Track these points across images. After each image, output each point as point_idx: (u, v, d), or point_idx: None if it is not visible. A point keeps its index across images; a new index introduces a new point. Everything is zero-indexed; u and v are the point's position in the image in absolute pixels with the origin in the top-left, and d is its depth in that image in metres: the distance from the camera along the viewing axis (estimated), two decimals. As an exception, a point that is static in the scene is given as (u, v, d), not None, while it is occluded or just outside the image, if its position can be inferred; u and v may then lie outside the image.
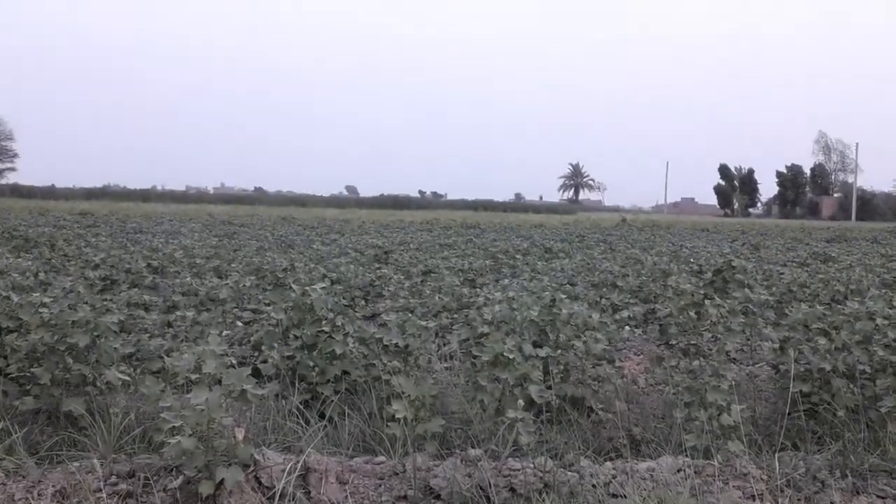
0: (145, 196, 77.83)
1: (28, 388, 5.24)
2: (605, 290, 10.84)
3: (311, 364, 5.60)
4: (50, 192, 74.94)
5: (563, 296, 6.48)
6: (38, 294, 5.88)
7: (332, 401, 5.44)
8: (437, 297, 9.35)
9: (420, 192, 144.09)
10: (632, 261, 15.68)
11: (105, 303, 7.23)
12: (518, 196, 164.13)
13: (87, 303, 6.90)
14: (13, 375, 5.30)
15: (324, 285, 6.55)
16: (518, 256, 16.20)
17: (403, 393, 4.54)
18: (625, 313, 8.74)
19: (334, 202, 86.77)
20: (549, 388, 5.36)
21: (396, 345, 5.86)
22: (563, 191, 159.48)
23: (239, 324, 7.32)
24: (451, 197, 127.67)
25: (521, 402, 4.73)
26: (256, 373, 5.67)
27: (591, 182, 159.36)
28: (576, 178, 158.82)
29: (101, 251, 14.07)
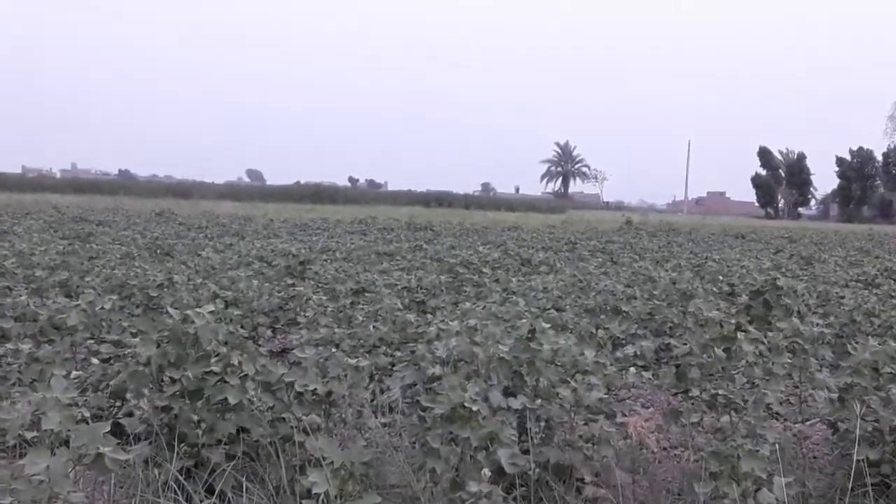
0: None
1: None
2: (603, 317, 10.93)
3: (196, 418, 5.55)
4: None
5: (546, 325, 6.52)
6: None
7: (225, 469, 5.39)
8: (372, 327, 9.34)
9: (351, 179, 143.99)
10: (640, 277, 15.85)
11: None
12: (486, 187, 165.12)
13: None
14: None
15: (214, 308, 6.49)
16: (485, 270, 16.28)
17: (324, 459, 4.52)
18: (629, 350, 8.81)
19: (230, 192, 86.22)
20: (526, 452, 5.38)
21: (315, 392, 5.84)
22: (548, 181, 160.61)
23: (94, 361, 7.22)
24: (393, 187, 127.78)
25: (486, 471, 4.74)
26: (118, 430, 5.60)
27: (585, 169, 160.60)
28: (564, 164, 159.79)
29: None
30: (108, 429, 4.26)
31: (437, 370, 6.08)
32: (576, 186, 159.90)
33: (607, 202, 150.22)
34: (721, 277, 16.16)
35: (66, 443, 4.13)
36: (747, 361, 7.11)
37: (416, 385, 6.51)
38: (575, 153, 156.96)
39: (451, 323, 7.33)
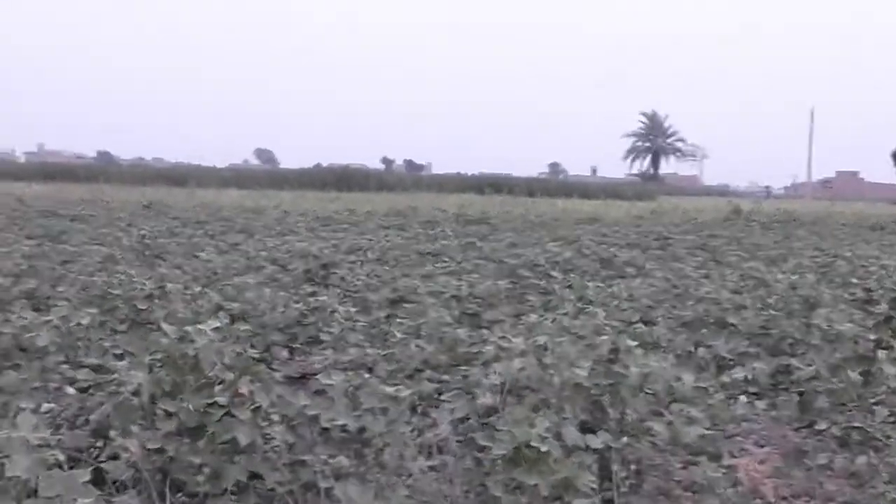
0: None
1: None
2: (704, 332, 10.87)
3: (196, 462, 5.59)
4: None
5: (633, 343, 6.50)
6: None
7: (233, 526, 5.43)
8: (413, 346, 9.35)
9: (385, 161, 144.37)
10: (750, 281, 15.73)
11: None
12: (554, 169, 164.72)
13: None
14: None
15: (218, 324, 6.54)
16: (554, 274, 16.23)
17: (356, 512, 4.54)
18: (739, 373, 8.75)
19: (235, 178, 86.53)
20: (609, 502, 5.37)
21: (344, 428, 5.86)
22: (633, 159, 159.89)
23: (70, 391, 7.29)
24: (437, 169, 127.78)
25: (559, 527, 4.73)
26: (100, 476, 5.66)
27: (679, 145, 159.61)
28: (654, 139, 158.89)
29: None
30: (89, 476, 4.31)
31: (497, 400, 6.08)
32: (668, 166, 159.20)
33: (709, 186, 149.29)
34: (854, 280, 15.99)
35: (36, 492, 4.17)
36: (889, 387, 7.04)
37: (469, 419, 6.51)
38: (667, 125, 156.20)
39: (513, 340, 7.32)
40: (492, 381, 6.44)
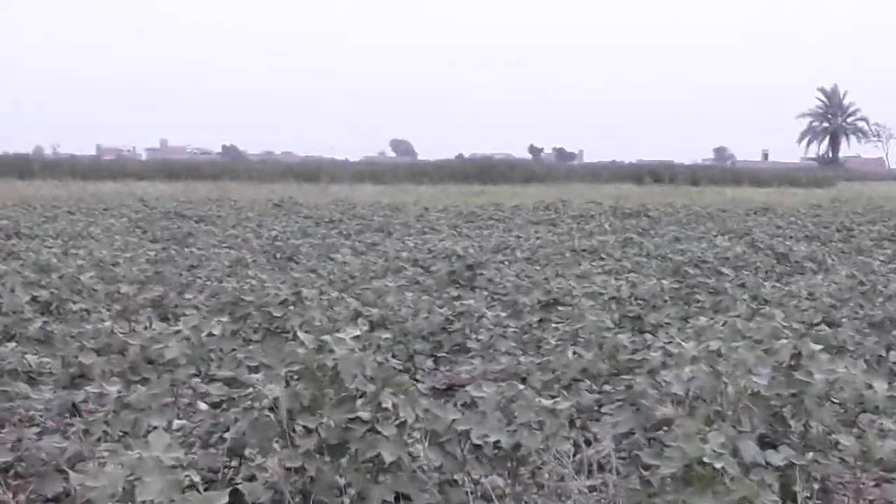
0: (22, 167, 79.41)
1: None
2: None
3: (339, 482, 5.65)
4: None
5: (816, 347, 6.40)
6: None
7: (379, 551, 5.48)
8: (570, 353, 9.33)
9: (532, 150, 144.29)
10: (948, 276, 15.38)
11: (-42, 371, 7.46)
12: (720, 154, 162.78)
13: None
14: None
15: (358, 332, 6.61)
16: (724, 271, 16.06)
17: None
18: (937, 380, 8.55)
19: (370, 172, 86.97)
20: (794, 526, 5.30)
21: (498, 444, 5.88)
22: (809, 142, 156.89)
23: (202, 406, 7.43)
24: (590, 157, 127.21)
25: (738, 553, 4.69)
26: (237, 498, 5.76)
27: (861, 124, 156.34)
28: (832, 118, 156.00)
29: (-54, 274, 14.49)
30: (226, 499, 4.39)
31: (666, 412, 6.04)
32: (849, 149, 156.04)
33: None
34: None
35: (171, 516, 4.25)
36: None
37: (634, 433, 6.48)
38: (847, 103, 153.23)
39: (682, 345, 7.26)
40: (659, 391, 6.40)
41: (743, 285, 14.28)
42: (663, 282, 14.22)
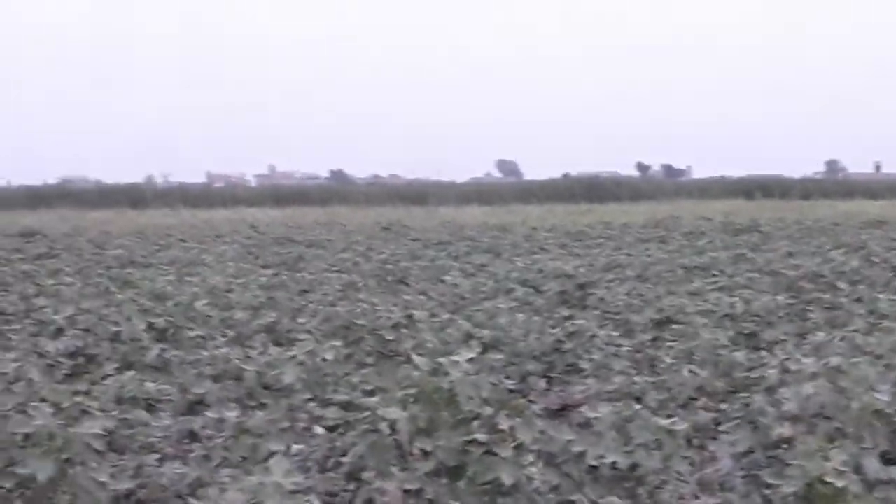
0: (135, 197, 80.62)
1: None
2: None
3: (458, 504, 5.66)
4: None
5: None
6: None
7: (499, 573, 5.48)
8: (686, 372, 9.27)
9: (640, 166, 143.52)
10: None
11: (79, 399, 7.58)
12: (832, 167, 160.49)
13: (46, 400, 7.24)
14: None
15: (472, 355, 6.62)
16: (841, 286, 15.85)
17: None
18: None
19: (477, 193, 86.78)
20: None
21: (615, 465, 5.86)
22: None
23: (319, 430, 7.48)
24: (699, 173, 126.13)
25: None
26: (356, 522, 5.80)
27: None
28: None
29: (65, 303, 14.75)
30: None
31: (785, 430, 5.99)
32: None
33: None
34: None
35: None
36: None
37: (753, 452, 6.42)
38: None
39: (801, 362, 7.19)
40: (778, 408, 6.34)
41: (859, 300, 14.09)
42: (777, 298, 14.09)
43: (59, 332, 12.01)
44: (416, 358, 6.33)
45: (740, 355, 9.94)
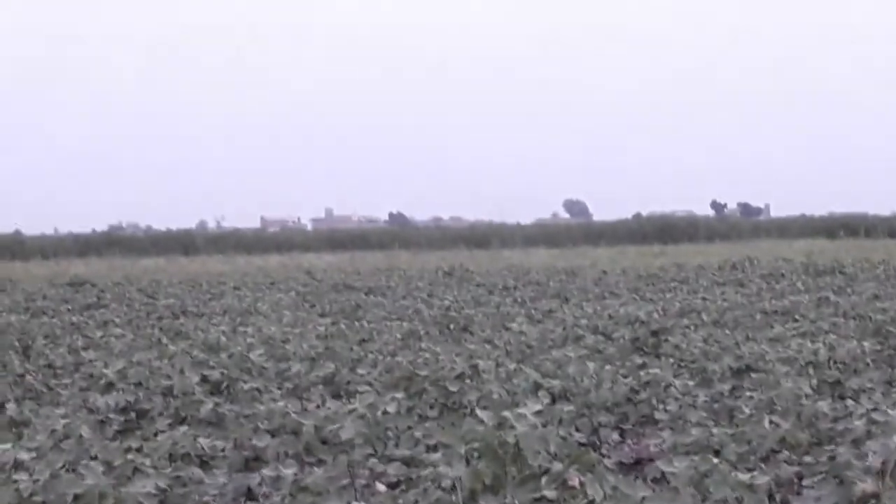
0: (187, 243, 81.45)
1: None
2: None
3: (526, 566, 5.65)
4: (13, 245, 79.48)
5: None
6: (7, 445, 6.28)
7: None
8: (767, 423, 9.21)
9: (715, 205, 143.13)
10: None
11: (131, 457, 7.64)
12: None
13: (97, 457, 7.30)
14: None
15: (539, 406, 6.62)
16: (934, 329, 15.71)
17: None
18: None
19: (543, 235, 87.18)
20: None
21: (693, 525, 5.82)
22: None
23: (381, 487, 7.49)
24: (777, 212, 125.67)
25: None
26: (419, 585, 5.79)
27: None
28: None
29: (115, 356, 14.88)
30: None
31: (870, 486, 5.93)
32: None
33: None
34: None
35: None
36: None
37: (840, 510, 6.37)
38: None
39: (889, 412, 7.13)
40: (865, 462, 6.28)
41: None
42: (864, 343, 13.98)
43: (110, 386, 12.09)
44: (480, 411, 6.33)
45: (824, 405, 9.85)
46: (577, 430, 9.99)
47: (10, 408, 10.14)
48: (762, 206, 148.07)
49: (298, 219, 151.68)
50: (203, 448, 8.96)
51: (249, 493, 7.87)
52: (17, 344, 17.31)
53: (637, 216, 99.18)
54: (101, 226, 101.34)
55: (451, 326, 19.53)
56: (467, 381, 11.43)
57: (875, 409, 8.39)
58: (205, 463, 8.73)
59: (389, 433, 9.20)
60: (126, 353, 15.06)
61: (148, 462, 7.71)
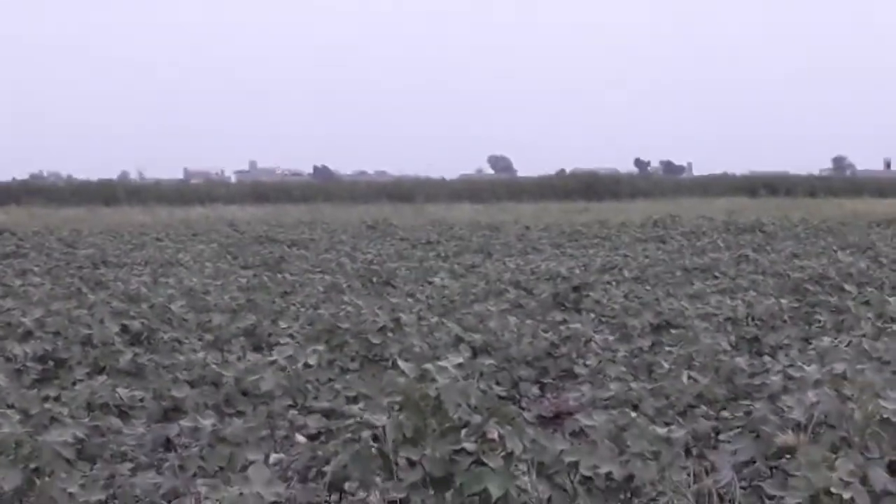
0: (108, 193, 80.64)
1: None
2: None
3: (444, 517, 5.67)
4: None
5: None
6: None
7: (488, 590, 5.49)
8: (685, 378, 9.29)
9: (638, 163, 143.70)
10: None
11: (48, 406, 7.58)
12: (839, 163, 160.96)
13: (14, 406, 7.25)
14: None
15: (460, 360, 6.63)
16: (847, 288, 15.87)
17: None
18: None
19: (467, 190, 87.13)
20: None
21: (610, 476, 5.86)
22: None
23: (300, 439, 7.50)
24: (699, 170, 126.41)
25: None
26: (338, 536, 5.80)
27: None
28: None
29: (34, 305, 14.74)
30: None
31: (788, 439, 5.99)
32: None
33: None
34: None
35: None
36: None
37: (755, 462, 6.43)
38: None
39: (804, 368, 7.20)
40: (781, 416, 6.34)
41: (867, 303, 14.10)
42: (782, 301, 14.11)
43: (28, 335, 11.99)
44: (402, 363, 6.34)
45: (742, 361, 9.95)
46: (498, 383, 10.02)
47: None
48: (685, 164, 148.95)
49: (222, 171, 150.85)
50: (122, 398, 8.93)
51: (168, 444, 7.84)
52: (-67, 293, 17.16)
53: (561, 173, 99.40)
54: (21, 175, 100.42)
55: (374, 280, 19.56)
56: (389, 334, 11.45)
57: (791, 366, 8.45)
58: (123, 413, 8.70)
59: (310, 385, 9.20)
60: (45, 303, 14.91)
61: (66, 411, 7.68)
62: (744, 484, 6.68)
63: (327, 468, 6.35)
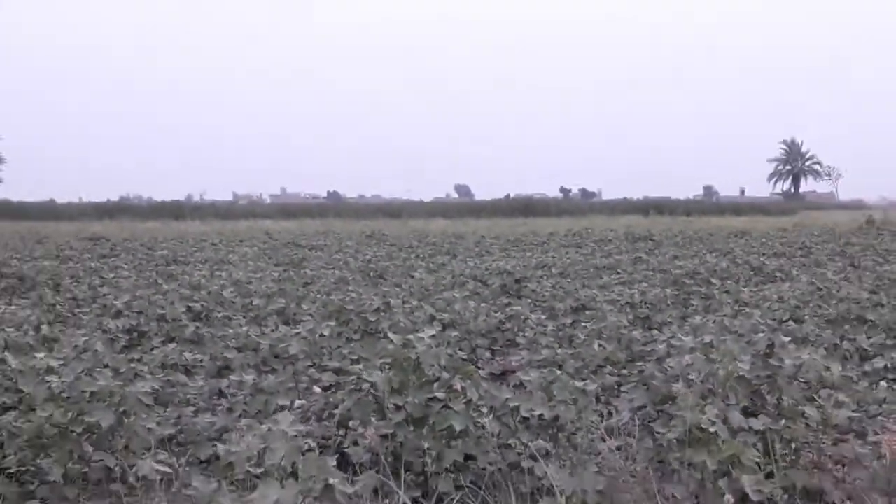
0: (177, 211, 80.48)
1: (33, 487, 5.47)
2: (847, 328, 10.53)
3: (422, 446, 5.67)
4: (49, 210, 78.46)
5: (786, 339, 6.34)
6: (41, 356, 6.17)
7: (453, 498, 5.48)
8: (596, 346, 9.31)
9: (562, 190, 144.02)
10: (886, 282, 15.19)
11: (133, 365, 7.57)
12: (708, 191, 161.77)
13: (108, 366, 7.22)
14: (12, 470, 5.54)
15: (433, 332, 6.62)
16: (713, 281, 15.96)
17: (555, 487, 4.53)
18: (879, 363, 8.46)
19: (439, 209, 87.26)
20: (770, 476, 5.24)
21: (541, 417, 5.86)
22: (776, 181, 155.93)
23: (317, 390, 7.48)
24: (607, 196, 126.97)
25: (728, 497, 4.64)
26: (344, 460, 5.79)
27: (817, 167, 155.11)
28: (794, 162, 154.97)
29: (123, 291, 14.72)
30: (335, 460, 4.41)
31: (671, 390, 6.01)
32: (807, 185, 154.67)
33: (844, 202, 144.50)
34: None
35: (294, 475, 4.27)
36: None
37: (646, 407, 6.45)
38: (805, 150, 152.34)
39: (681, 339, 7.23)
40: (665, 374, 6.37)
41: (727, 291, 14.20)
42: (666, 290, 14.17)
43: (118, 313, 11.97)
44: (391, 335, 6.33)
45: (637, 334, 10.01)
46: (461, 349, 10.01)
47: (45, 329, 9.98)
48: (596, 190, 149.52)
49: (260, 195, 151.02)
50: (186, 360, 8.95)
51: (220, 393, 7.84)
52: (50, 282, 17.06)
53: (507, 196, 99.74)
54: (114, 196, 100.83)
55: (371, 274, 19.51)
56: (382, 313, 11.42)
57: (673, 337, 8.50)
58: (188, 371, 8.71)
59: (324, 350, 9.19)
60: (131, 290, 14.88)
61: (146, 369, 7.65)
62: (638, 422, 6.70)
63: (336, 411, 6.34)
